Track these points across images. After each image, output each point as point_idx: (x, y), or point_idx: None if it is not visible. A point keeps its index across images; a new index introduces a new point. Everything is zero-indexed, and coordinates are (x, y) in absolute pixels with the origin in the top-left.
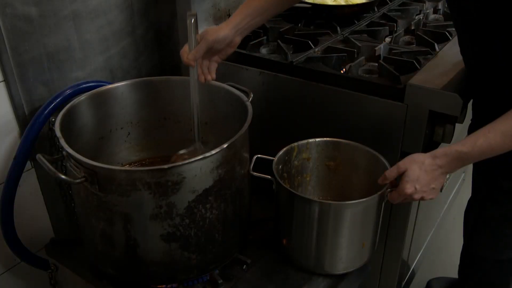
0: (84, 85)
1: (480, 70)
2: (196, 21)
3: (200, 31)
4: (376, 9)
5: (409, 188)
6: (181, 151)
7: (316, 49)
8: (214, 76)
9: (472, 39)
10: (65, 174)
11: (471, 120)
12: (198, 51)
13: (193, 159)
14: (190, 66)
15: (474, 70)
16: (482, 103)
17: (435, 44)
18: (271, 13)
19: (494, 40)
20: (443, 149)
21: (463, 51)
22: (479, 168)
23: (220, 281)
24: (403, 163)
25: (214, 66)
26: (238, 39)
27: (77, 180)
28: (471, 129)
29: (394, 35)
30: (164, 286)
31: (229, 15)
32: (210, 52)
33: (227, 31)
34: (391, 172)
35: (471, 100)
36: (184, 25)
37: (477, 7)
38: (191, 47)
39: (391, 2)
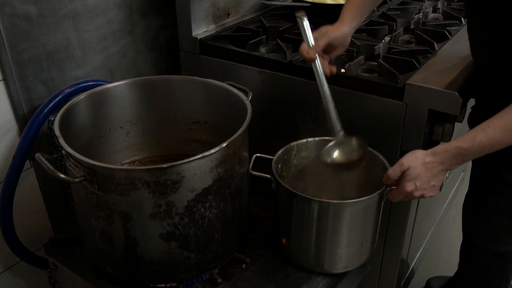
0: (83, 84)
1: (487, 58)
2: (307, 20)
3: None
4: (375, 8)
5: (409, 186)
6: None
7: None
8: (335, 70)
9: (484, 23)
10: (64, 173)
11: (472, 108)
12: (318, 45)
13: (192, 158)
14: (312, 61)
15: (480, 57)
16: (486, 94)
17: (435, 43)
18: (369, 11)
19: (507, 27)
20: (443, 145)
21: (472, 37)
22: (479, 161)
23: (219, 280)
24: (406, 161)
25: (326, 63)
26: (349, 39)
27: (76, 179)
28: (471, 118)
29: (394, 34)
30: (163, 285)
31: (228, 14)
32: (326, 49)
33: (347, 29)
34: (394, 171)
35: (470, 99)
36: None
37: None
38: (308, 43)
39: (390, 1)
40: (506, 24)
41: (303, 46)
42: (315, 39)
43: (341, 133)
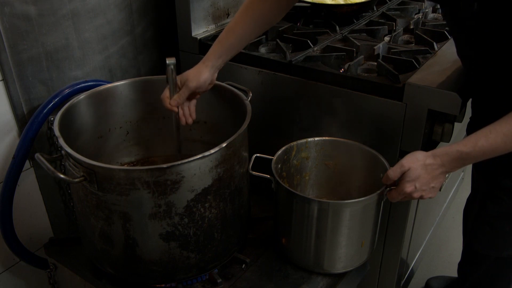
0: (83, 84)
1: (476, 70)
2: (175, 68)
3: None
4: (375, 8)
5: (409, 187)
6: None
7: (315, 48)
8: (194, 116)
9: (467, 40)
10: (64, 174)
11: (470, 118)
12: (180, 97)
13: (192, 158)
14: (173, 111)
15: (471, 70)
16: (481, 102)
17: (434, 43)
18: (243, 46)
19: (489, 42)
20: (444, 148)
21: (459, 52)
22: (479, 166)
23: (219, 280)
24: (406, 162)
25: (193, 104)
26: (215, 76)
27: (76, 179)
28: (470, 127)
29: (393, 34)
30: (163, 285)
31: (228, 15)
32: (191, 95)
33: (207, 74)
34: (394, 172)
35: (470, 99)
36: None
37: (473, 13)
38: (172, 93)
39: (390, 1)
40: (486, 43)
41: (166, 94)
42: (178, 87)
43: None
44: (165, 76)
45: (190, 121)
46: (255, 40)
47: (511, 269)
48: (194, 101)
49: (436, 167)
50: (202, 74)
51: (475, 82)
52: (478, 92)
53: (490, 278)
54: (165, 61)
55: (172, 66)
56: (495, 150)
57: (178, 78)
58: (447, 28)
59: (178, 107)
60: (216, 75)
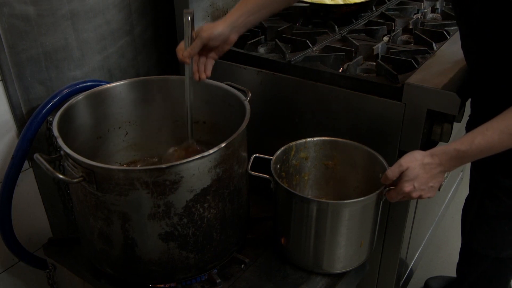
0: (82, 85)
1: (478, 68)
2: (192, 18)
3: (196, 27)
4: (374, 8)
5: (407, 187)
6: (171, 149)
7: (314, 48)
8: (209, 73)
9: (473, 34)
10: (63, 174)
11: (469, 116)
12: (193, 48)
13: (191, 159)
14: (185, 64)
15: (474, 65)
16: (481, 100)
17: (433, 43)
18: (268, 11)
19: (494, 37)
20: (441, 147)
21: (464, 46)
22: (477, 165)
23: (218, 280)
24: (405, 161)
25: (210, 63)
26: (234, 37)
27: (75, 180)
28: (469, 126)
29: (392, 34)
30: (162, 285)
31: None
32: (205, 49)
33: (222, 28)
34: (393, 171)
35: (469, 99)
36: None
37: (480, 5)
38: (187, 44)
39: (389, 1)
40: (488, 34)
41: (181, 46)
42: (193, 40)
43: (192, 141)
44: (163, 76)
45: (203, 76)
46: (271, 18)
47: (509, 269)
48: (211, 61)
49: (434, 166)
50: (217, 26)
51: (476, 81)
52: (479, 89)
53: (488, 278)
54: (183, 13)
55: (189, 17)
56: (492, 147)
57: (194, 31)
58: (446, 28)
59: (192, 60)
60: (235, 36)
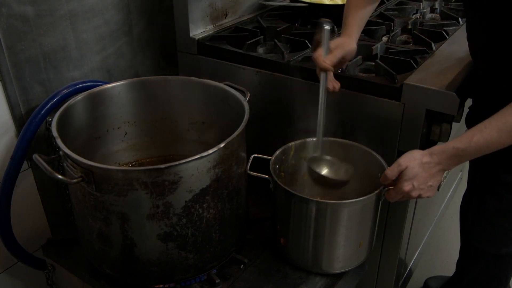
0: (80, 85)
1: (485, 59)
2: (332, 28)
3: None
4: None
5: (407, 186)
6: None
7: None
8: (339, 84)
9: (481, 25)
10: (62, 174)
11: (469, 108)
12: (335, 56)
13: (189, 159)
14: (324, 71)
15: (479, 57)
16: (483, 94)
17: (432, 43)
18: (368, 18)
19: (503, 28)
20: (440, 146)
21: (470, 37)
22: (478, 162)
23: (217, 281)
24: (404, 161)
25: (331, 77)
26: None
27: (74, 180)
28: (468, 119)
29: (391, 34)
30: (161, 285)
31: (226, 15)
32: (339, 61)
33: (355, 44)
34: (392, 171)
35: (468, 99)
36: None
37: None
38: (326, 52)
39: (388, 1)
40: (503, 26)
41: (319, 53)
42: (330, 50)
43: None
44: (163, 76)
45: (338, 86)
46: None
47: (509, 266)
48: (331, 73)
49: (433, 165)
50: (353, 43)
51: (480, 71)
52: (483, 82)
53: (488, 275)
54: (320, 24)
55: (329, 26)
56: (490, 145)
57: (330, 44)
58: (445, 28)
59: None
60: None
